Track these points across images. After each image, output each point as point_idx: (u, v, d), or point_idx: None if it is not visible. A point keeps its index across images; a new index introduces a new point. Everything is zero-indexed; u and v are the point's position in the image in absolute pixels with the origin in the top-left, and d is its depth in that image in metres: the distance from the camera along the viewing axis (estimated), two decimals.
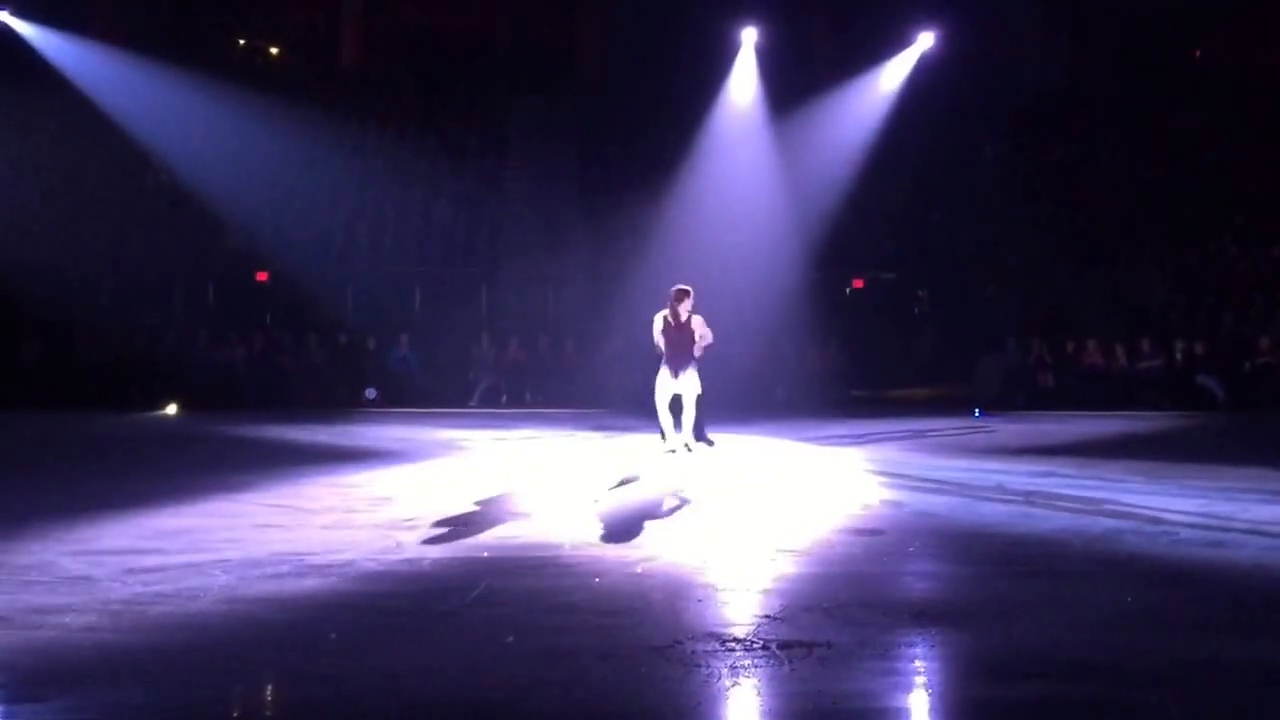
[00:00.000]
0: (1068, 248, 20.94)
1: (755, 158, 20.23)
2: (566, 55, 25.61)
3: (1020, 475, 9.64)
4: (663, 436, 11.20)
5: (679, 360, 10.77)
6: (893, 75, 21.08)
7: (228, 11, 20.74)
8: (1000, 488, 8.91)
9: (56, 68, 18.69)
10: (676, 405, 11.05)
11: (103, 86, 18.72)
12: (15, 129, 18.45)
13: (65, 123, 18.65)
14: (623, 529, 7.26)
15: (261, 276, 19.62)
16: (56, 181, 19.06)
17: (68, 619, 4.90)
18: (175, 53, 18.91)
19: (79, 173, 19.06)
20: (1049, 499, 8.34)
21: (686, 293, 10.73)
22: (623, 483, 9.37)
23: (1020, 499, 8.38)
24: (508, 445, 12.31)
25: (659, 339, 10.86)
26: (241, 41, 21.88)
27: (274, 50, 22.30)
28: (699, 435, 11.28)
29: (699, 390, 10.85)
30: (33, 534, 6.77)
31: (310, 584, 5.57)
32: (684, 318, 10.75)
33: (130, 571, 5.79)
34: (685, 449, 10.97)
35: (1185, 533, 7.02)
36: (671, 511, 8.02)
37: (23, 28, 18.58)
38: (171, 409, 16.36)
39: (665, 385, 10.92)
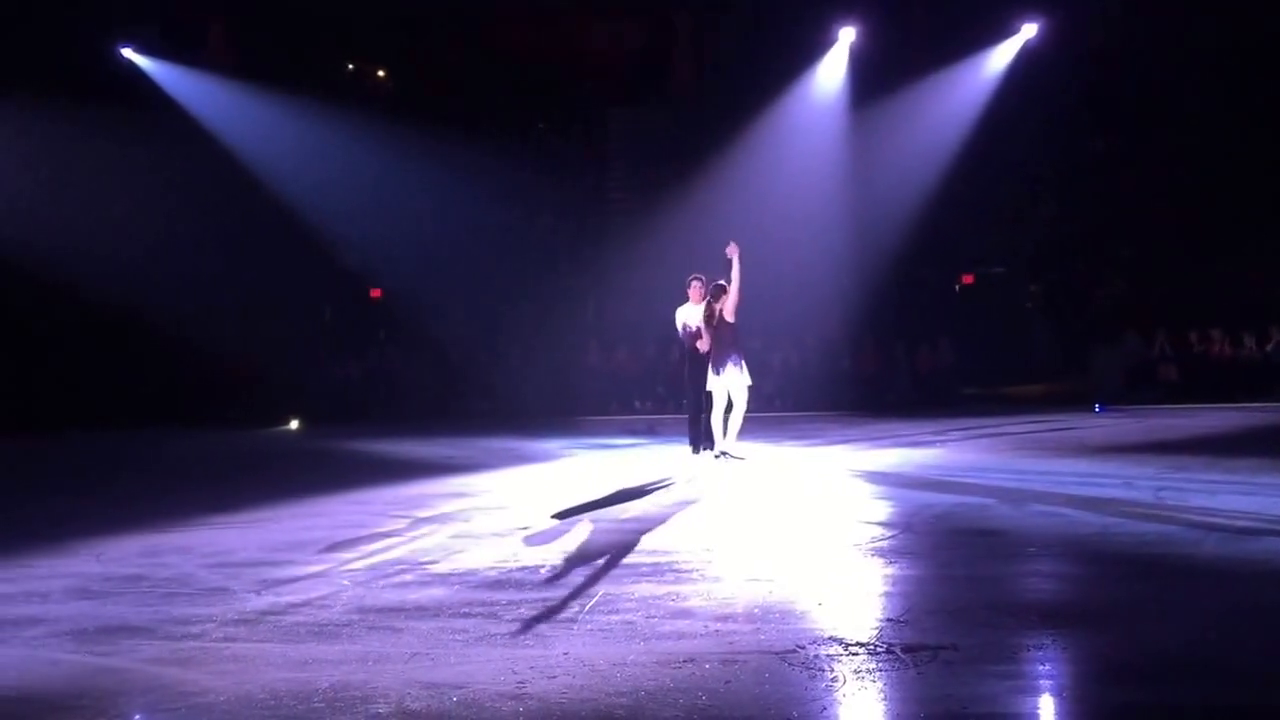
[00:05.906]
0: (1185, 236, 20.18)
1: (854, 157, 19.97)
2: (662, 65, 25.69)
3: (1146, 472, 9.34)
4: (700, 446, 11.09)
5: (723, 357, 10.57)
6: (995, 66, 20.59)
7: (336, 36, 21.39)
8: (1126, 485, 8.64)
9: (177, 101, 19.54)
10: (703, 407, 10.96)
11: (219, 116, 19.53)
12: (140, 162, 19.31)
13: (186, 153, 19.46)
14: (735, 534, 7.27)
15: (375, 293, 20.21)
16: (180, 211, 19.90)
17: (208, 629, 5.12)
18: (286, 80, 19.57)
19: (200, 200, 19.87)
20: (1177, 496, 8.04)
21: (723, 288, 10.59)
22: (730, 488, 9.37)
23: (1147, 496, 8.11)
24: (617, 453, 12.40)
25: (696, 334, 10.72)
26: (350, 66, 22.57)
27: (381, 73, 22.93)
28: (698, 442, 11.16)
29: (749, 383, 10.65)
30: (171, 548, 7.11)
31: (434, 592, 5.71)
32: (721, 313, 10.59)
33: (264, 582, 6.01)
34: (725, 455, 10.72)
35: None
36: (784, 515, 7.98)
37: (144, 63, 19.49)
38: (293, 424, 16.96)
39: (717, 386, 10.65)
